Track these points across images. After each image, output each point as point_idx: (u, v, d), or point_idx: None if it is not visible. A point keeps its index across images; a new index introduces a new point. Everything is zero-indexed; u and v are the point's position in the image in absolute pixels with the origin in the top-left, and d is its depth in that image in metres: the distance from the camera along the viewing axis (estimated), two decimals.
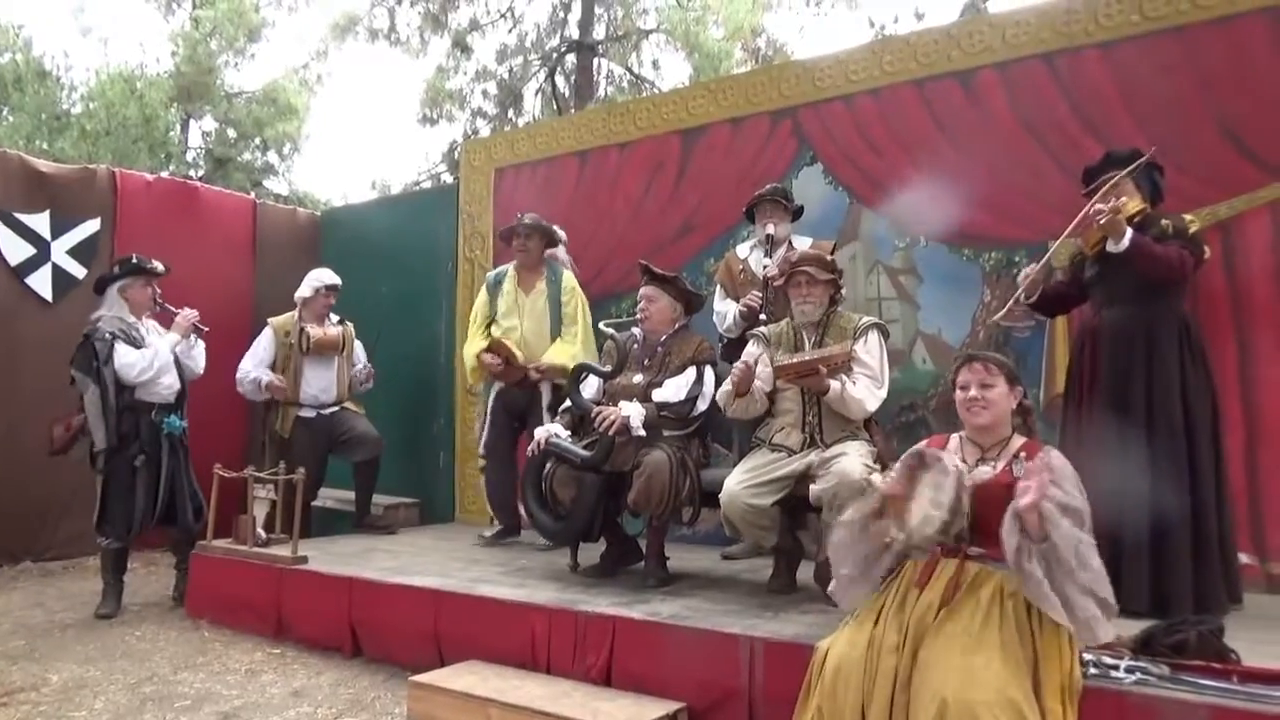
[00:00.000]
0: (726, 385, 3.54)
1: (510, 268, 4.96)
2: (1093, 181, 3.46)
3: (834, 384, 3.31)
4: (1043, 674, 2.09)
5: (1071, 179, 3.65)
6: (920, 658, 2.14)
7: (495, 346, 4.80)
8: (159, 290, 4.67)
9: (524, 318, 4.85)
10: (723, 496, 3.38)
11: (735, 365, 3.50)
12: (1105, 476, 3.15)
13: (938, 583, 2.26)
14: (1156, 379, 3.20)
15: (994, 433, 2.44)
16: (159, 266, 4.66)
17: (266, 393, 5.06)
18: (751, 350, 3.63)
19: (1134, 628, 2.61)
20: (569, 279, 4.86)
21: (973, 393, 2.43)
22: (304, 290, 5.25)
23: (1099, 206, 3.19)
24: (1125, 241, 3.16)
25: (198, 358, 4.68)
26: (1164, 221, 3.29)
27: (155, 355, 4.45)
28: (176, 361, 4.58)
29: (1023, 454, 2.36)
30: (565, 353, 4.69)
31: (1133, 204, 3.31)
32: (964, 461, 2.41)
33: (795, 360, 3.34)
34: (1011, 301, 3.52)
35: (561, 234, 4.99)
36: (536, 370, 4.73)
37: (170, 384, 4.53)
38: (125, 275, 4.57)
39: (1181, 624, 2.52)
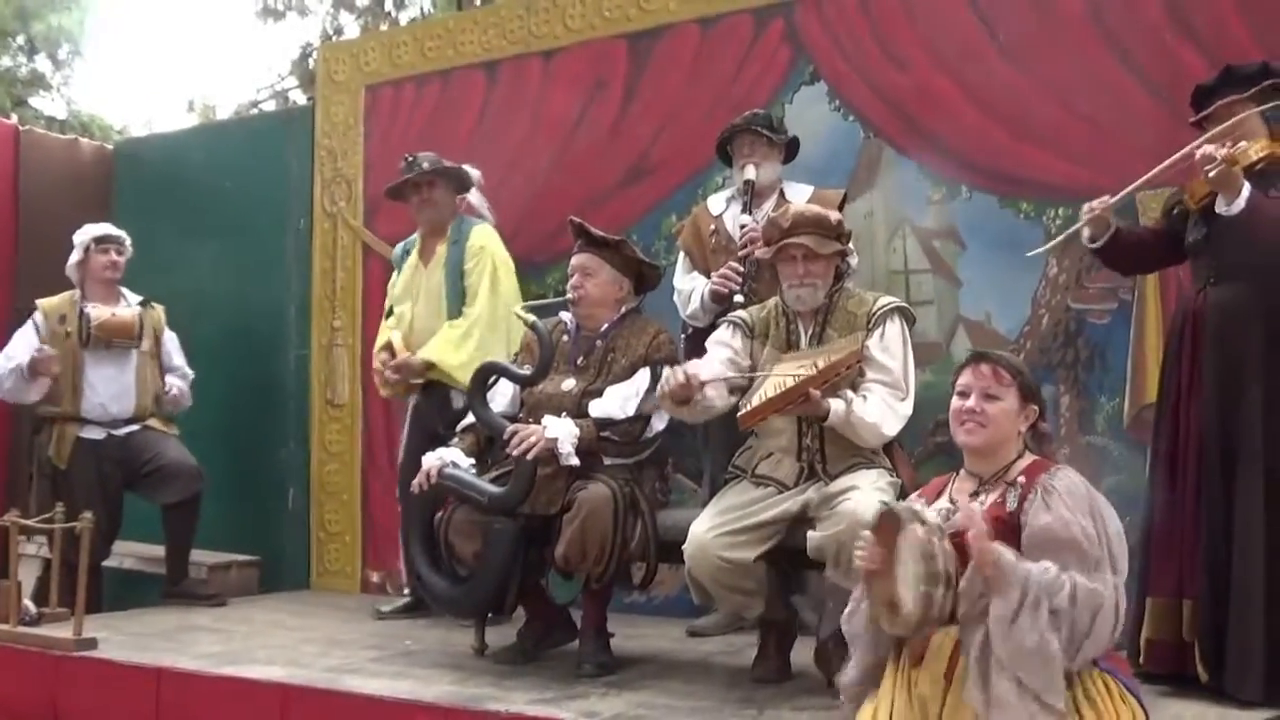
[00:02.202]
0: (661, 383, 3.49)
1: (417, 235, 5.05)
2: (1204, 107, 3.51)
3: (836, 404, 3.34)
4: None
5: (1165, 105, 3.75)
6: None
7: (386, 346, 4.89)
8: None
9: (418, 298, 4.92)
10: (688, 548, 3.42)
11: (675, 370, 3.46)
12: (1201, 519, 3.28)
13: (935, 660, 2.38)
14: (1278, 381, 3.29)
15: (994, 459, 2.57)
16: None
17: (34, 381, 5.02)
18: (724, 337, 3.67)
19: None
20: (478, 235, 4.89)
21: (970, 403, 2.56)
22: (73, 255, 5.28)
23: (1208, 150, 3.24)
24: (1241, 202, 3.23)
25: None
26: None
27: None
28: None
29: (1021, 479, 2.49)
30: (445, 345, 4.73)
31: (1257, 146, 3.36)
32: (952, 502, 2.54)
33: (764, 401, 3.32)
34: (1062, 236, 3.60)
35: (475, 173, 5.04)
36: (407, 370, 4.77)
37: None
38: None
39: None
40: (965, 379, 2.60)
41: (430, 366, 4.73)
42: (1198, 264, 3.56)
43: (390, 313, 5.10)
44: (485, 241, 4.87)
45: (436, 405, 4.83)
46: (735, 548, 3.37)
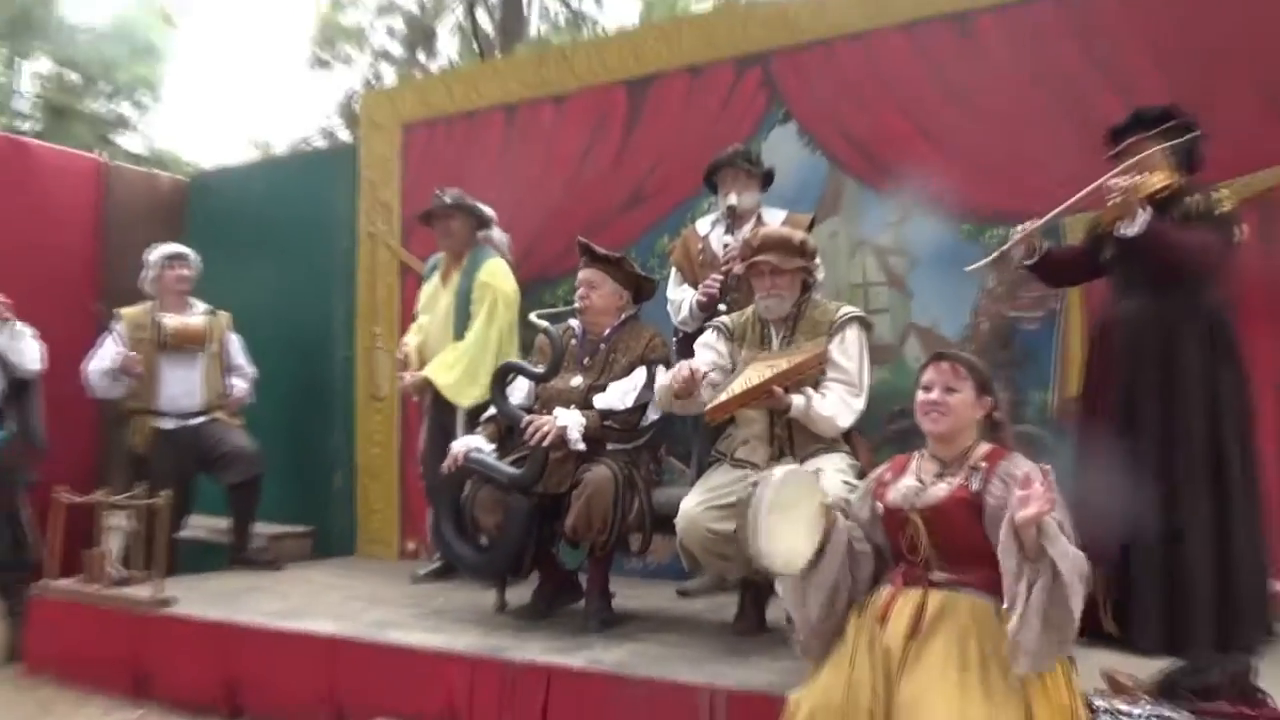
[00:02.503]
0: (664, 379, 3.51)
1: (442, 254, 5.05)
2: (1116, 144, 3.52)
3: (797, 399, 3.33)
4: (1036, 715, 2.18)
5: (1085, 140, 3.74)
6: (897, 702, 2.23)
7: (404, 354, 4.95)
8: None
9: (435, 314, 4.95)
10: (679, 521, 3.41)
11: (678, 365, 3.47)
12: (1113, 494, 3.27)
13: (900, 617, 2.37)
14: (1176, 383, 3.30)
15: (954, 444, 2.54)
16: None
17: (123, 378, 5.02)
18: (709, 340, 3.66)
19: (1145, 668, 2.71)
20: (487, 269, 4.84)
21: (934, 395, 2.54)
22: (149, 271, 5.28)
23: (1113, 182, 3.27)
24: (1138, 226, 3.25)
25: (24, 350, 4.55)
26: (1191, 199, 3.36)
27: None
28: None
29: (984, 463, 2.46)
30: (439, 367, 4.74)
31: (1157, 177, 3.35)
32: (920, 481, 2.52)
33: (730, 396, 3.30)
34: (995, 254, 3.59)
35: (490, 212, 5.02)
36: (412, 388, 4.83)
37: None
38: None
39: (1207, 664, 2.62)
40: (929, 375, 2.58)
41: (426, 382, 4.76)
42: (1112, 278, 3.59)
43: (415, 318, 5.12)
44: (490, 278, 4.81)
45: (446, 403, 4.81)
46: (720, 520, 3.36)
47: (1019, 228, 3.55)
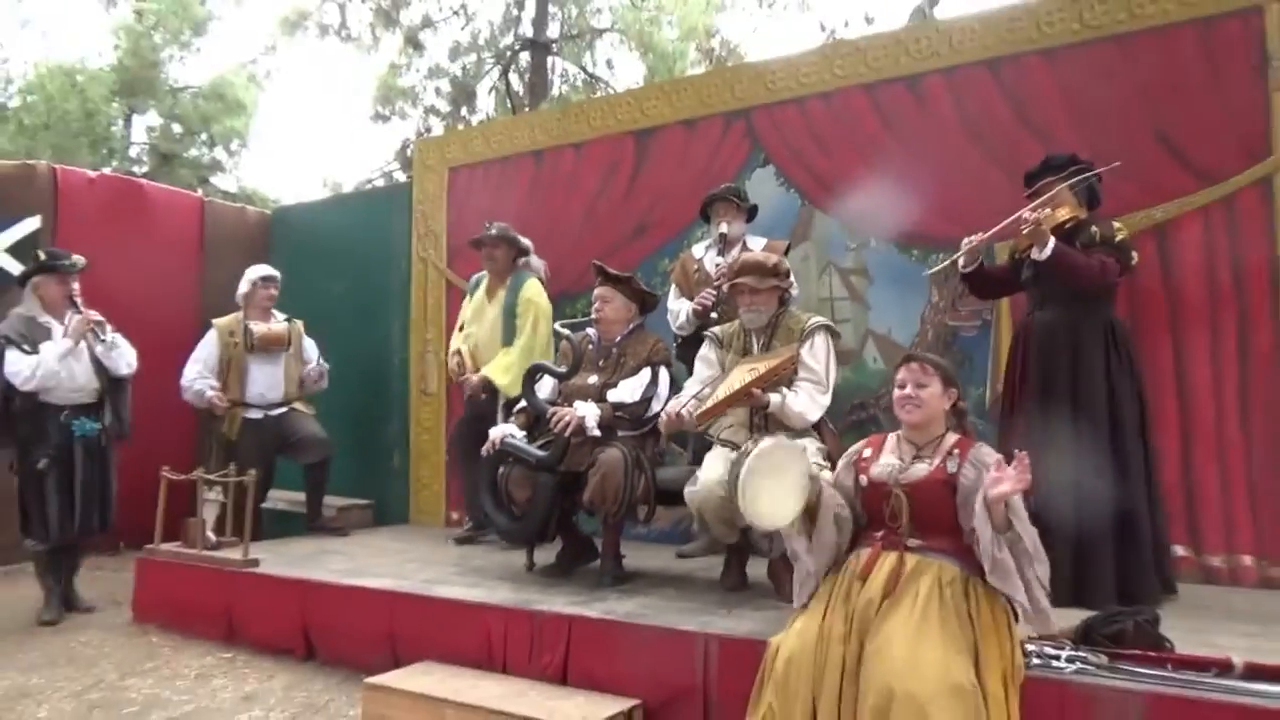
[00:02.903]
0: (660, 425, 3.46)
1: (486, 273, 5.05)
2: (1033, 185, 3.57)
3: (774, 398, 3.32)
4: (984, 658, 2.18)
5: (1014, 181, 3.75)
6: (866, 649, 2.21)
7: (457, 353, 4.97)
8: (76, 287, 4.53)
9: (482, 325, 4.93)
10: (700, 490, 3.35)
11: (665, 411, 3.43)
12: (1032, 470, 3.27)
13: (879, 575, 2.34)
14: (1082, 379, 3.34)
15: (927, 431, 2.53)
16: (76, 261, 4.54)
17: (208, 405, 5.06)
18: (704, 353, 3.66)
19: (1063, 618, 2.70)
20: (529, 288, 4.86)
21: (908, 391, 2.53)
22: (242, 287, 5.27)
23: (1025, 215, 3.30)
24: (1048, 251, 3.30)
25: (118, 358, 4.51)
26: (1093, 229, 3.42)
27: (39, 364, 4.27)
28: (97, 361, 4.47)
29: (956, 450, 2.45)
30: (496, 369, 4.74)
31: (1064, 211, 3.43)
32: (901, 460, 2.51)
33: (715, 402, 3.29)
34: (948, 261, 3.59)
35: (528, 243, 5.02)
36: (472, 380, 4.80)
37: (80, 386, 4.40)
38: (37, 272, 4.48)
39: (1119, 615, 2.62)
40: (902, 374, 2.56)
41: (488, 381, 4.75)
42: (1029, 294, 3.64)
43: (462, 327, 5.10)
44: (533, 295, 4.84)
45: (488, 397, 4.81)
46: (728, 490, 3.26)
47: (967, 239, 3.54)
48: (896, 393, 2.56)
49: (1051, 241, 3.30)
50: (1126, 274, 3.46)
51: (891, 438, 2.61)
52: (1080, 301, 3.40)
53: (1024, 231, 3.30)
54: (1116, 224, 3.48)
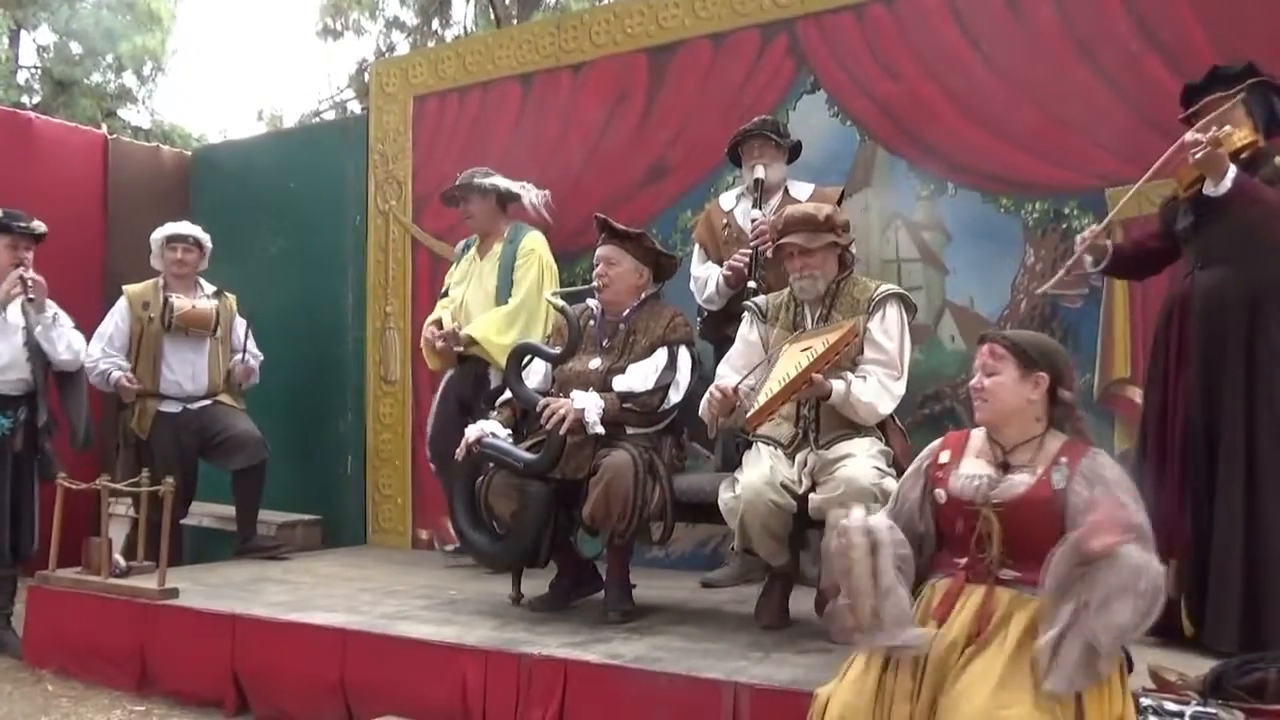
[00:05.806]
0: (702, 408, 3.51)
1: (475, 236, 5.11)
2: (1194, 102, 3.41)
3: (837, 385, 3.30)
4: (1087, 716, 2.15)
5: (1132, 110, 3.70)
6: (940, 704, 2.20)
7: (436, 321, 4.95)
8: (29, 257, 4.57)
9: (471, 284, 4.96)
10: (743, 493, 3.34)
11: (710, 390, 3.46)
12: (1190, 485, 3.23)
13: (961, 614, 2.31)
14: (1260, 361, 3.19)
15: (1009, 430, 2.46)
16: (35, 226, 4.58)
17: (114, 389, 5.08)
18: (743, 332, 3.63)
19: (1192, 665, 2.69)
20: (530, 239, 4.92)
21: (974, 380, 2.49)
22: (153, 250, 5.28)
23: (1195, 137, 3.13)
24: (1227, 182, 3.10)
25: (56, 340, 4.54)
26: (1277, 159, 3.24)
27: None
28: (33, 342, 4.48)
29: (1064, 459, 2.39)
30: (492, 323, 4.73)
31: (1240, 134, 3.26)
32: (990, 469, 2.44)
33: (768, 398, 3.27)
34: (1063, 271, 3.52)
35: (513, 187, 5.02)
36: (452, 339, 4.78)
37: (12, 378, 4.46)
38: None
39: (1258, 661, 2.60)
40: (976, 361, 2.53)
41: (473, 342, 4.73)
42: (1187, 250, 3.44)
43: (446, 293, 5.13)
44: (535, 245, 4.91)
45: (471, 380, 4.84)
46: (783, 495, 3.31)
47: (1081, 236, 3.51)
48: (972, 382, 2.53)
49: (1232, 170, 3.10)
50: None
51: (975, 436, 2.55)
52: (1259, 257, 3.20)
53: (1194, 158, 3.12)
54: None
